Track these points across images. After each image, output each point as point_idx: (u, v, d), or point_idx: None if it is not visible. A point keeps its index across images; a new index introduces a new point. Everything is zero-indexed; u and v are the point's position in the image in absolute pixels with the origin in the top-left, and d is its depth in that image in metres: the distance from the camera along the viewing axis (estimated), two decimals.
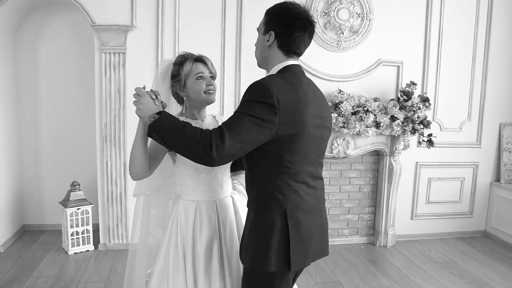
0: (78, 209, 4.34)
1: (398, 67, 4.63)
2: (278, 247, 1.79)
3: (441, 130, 4.79)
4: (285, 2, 1.94)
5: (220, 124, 1.83)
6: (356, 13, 4.47)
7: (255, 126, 1.71)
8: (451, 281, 3.97)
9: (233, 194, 2.32)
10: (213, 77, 2.24)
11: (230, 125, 1.71)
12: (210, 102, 2.20)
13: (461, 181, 4.98)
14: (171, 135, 1.76)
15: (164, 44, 4.26)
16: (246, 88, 1.79)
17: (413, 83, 4.43)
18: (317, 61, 4.48)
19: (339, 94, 4.39)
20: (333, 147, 4.45)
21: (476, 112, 4.89)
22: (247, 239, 1.88)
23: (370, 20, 4.51)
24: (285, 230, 1.80)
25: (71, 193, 4.37)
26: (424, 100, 4.39)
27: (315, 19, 1.94)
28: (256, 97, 1.74)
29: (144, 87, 1.91)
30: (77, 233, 4.37)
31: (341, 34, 4.48)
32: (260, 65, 2.01)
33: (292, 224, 1.80)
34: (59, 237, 4.71)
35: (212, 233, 2.14)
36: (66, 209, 4.27)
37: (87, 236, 4.42)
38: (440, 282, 3.93)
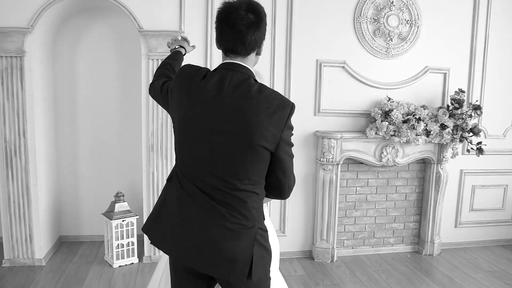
0: (123, 221, 4.19)
1: (445, 74, 4.59)
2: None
3: (485, 137, 4.75)
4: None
5: None
6: (405, 19, 4.42)
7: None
8: None
9: None
10: None
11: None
12: None
13: (504, 188, 4.96)
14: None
15: (212, 49, 4.16)
16: None
17: (462, 91, 4.39)
18: (367, 68, 4.41)
19: (389, 102, 4.32)
20: (382, 155, 4.38)
21: None
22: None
23: (418, 27, 4.45)
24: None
25: (116, 204, 4.22)
26: (476, 108, 4.35)
27: (252, 18, 1.75)
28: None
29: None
30: (122, 245, 4.23)
31: (390, 41, 4.41)
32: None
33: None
34: (98, 249, 4.57)
35: None
36: (111, 221, 4.13)
37: (131, 248, 4.28)
38: None
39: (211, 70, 1.81)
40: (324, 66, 4.35)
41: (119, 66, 4.64)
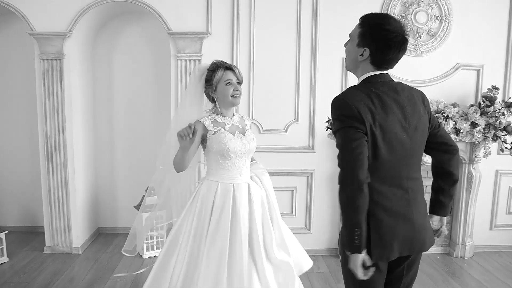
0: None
1: (478, 71, 4.44)
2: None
3: None
4: (382, 18, 1.96)
5: (246, 123, 2.83)
6: (434, 15, 4.33)
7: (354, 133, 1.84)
8: None
9: (250, 182, 2.76)
10: (239, 83, 2.74)
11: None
12: (235, 104, 2.74)
13: None
14: None
15: (239, 50, 4.27)
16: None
17: (495, 88, 4.23)
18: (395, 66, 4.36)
19: None
20: None
21: None
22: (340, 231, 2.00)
23: (449, 22, 4.35)
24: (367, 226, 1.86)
25: (147, 198, 4.43)
26: (509, 105, 4.18)
27: (408, 34, 1.95)
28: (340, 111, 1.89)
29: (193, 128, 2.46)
30: (151, 237, 4.44)
31: (419, 38, 4.34)
32: (349, 70, 2.11)
33: (373, 221, 1.88)
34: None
35: (227, 205, 2.64)
36: (142, 213, 4.34)
37: (161, 240, 4.48)
38: None
39: (361, 82, 2.00)
40: None
41: (152, 67, 4.87)
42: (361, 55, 1.96)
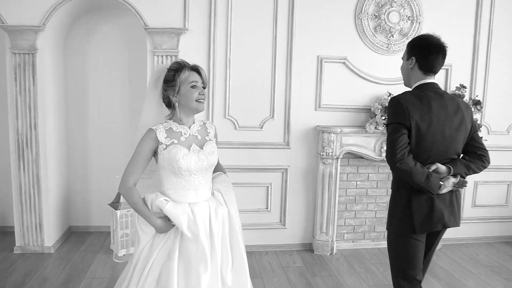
0: (128, 211, 4.35)
1: (447, 70, 4.62)
2: (403, 215, 2.50)
3: (488, 133, 4.76)
4: (422, 34, 2.59)
5: (209, 132, 2.46)
6: (406, 16, 4.47)
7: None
8: (506, 286, 3.95)
9: (210, 200, 2.41)
10: (204, 87, 2.40)
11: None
12: (199, 110, 2.38)
13: (508, 184, 4.96)
14: None
15: (216, 47, 4.29)
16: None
17: (463, 86, 4.42)
18: (367, 64, 4.48)
19: (389, 97, 4.38)
20: (382, 150, 4.43)
21: None
22: (389, 210, 2.64)
23: (420, 23, 4.50)
24: (409, 204, 2.47)
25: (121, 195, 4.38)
26: (476, 103, 4.37)
27: (446, 45, 2.58)
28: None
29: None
30: (127, 235, 4.39)
31: (391, 37, 4.47)
32: (406, 84, 2.64)
33: (415, 199, 2.45)
34: (105, 239, 4.75)
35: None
36: (116, 211, 4.29)
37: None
38: (493, 287, 3.91)
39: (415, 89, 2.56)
40: (325, 62, 4.43)
41: (127, 63, 4.82)
42: (410, 64, 2.52)
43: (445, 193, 2.44)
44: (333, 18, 4.41)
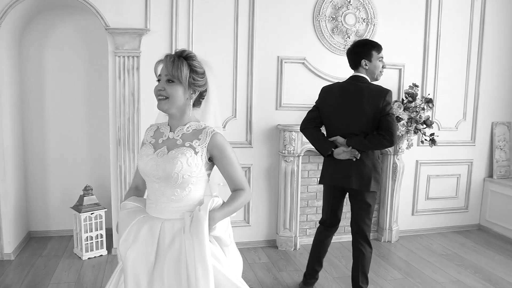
0: (92, 213, 4.30)
1: (400, 70, 4.85)
2: (322, 170, 3.53)
3: (439, 129, 5.04)
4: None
5: (199, 140, 1.96)
6: (362, 18, 4.66)
7: None
8: (458, 271, 4.20)
9: (168, 221, 1.98)
10: (173, 80, 1.96)
11: None
12: (161, 110, 2.01)
13: (457, 177, 5.26)
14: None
15: (178, 47, 4.29)
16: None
17: (416, 85, 4.65)
18: (325, 64, 4.63)
19: None
20: None
21: (471, 112, 5.18)
22: None
23: (374, 25, 4.70)
24: (324, 163, 3.52)
25: (85, 197, 4.33)
26: (428, 101, 4.61)
27: (356, 50, 3.40)
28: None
29: None
30: (91, 238, 4.34)
31: (348, 38, 4.64)
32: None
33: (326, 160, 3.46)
34: (67, 243, 4.66)
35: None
36: (80, 214, 4.23)
37: (100, 241, 4.39)
38: (448, 273, 4.15)
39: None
40: (285, 62, 4.55)
41: (86, 63, 4.74)
42: None
43: (344, 159, 3.24)
44: (292, 19, 4.53)
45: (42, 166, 4.80)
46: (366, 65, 3.30)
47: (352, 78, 3.34)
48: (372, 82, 3.34)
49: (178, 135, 2.02)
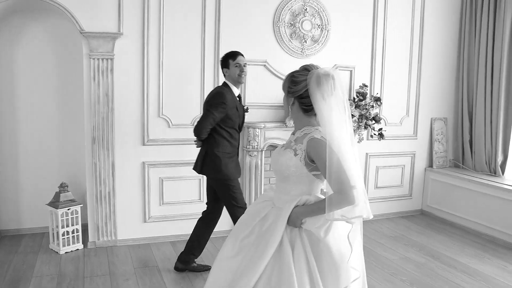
0: (68, 209, 4.48)
1: (351, 71, 5.37)
2: None
3: (386, 125, 5.59)
4: None
5: (296, 141, 2.26)
6: (317, 24, 5.12)
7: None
8: (406, 250, 4.75)
9: (268, 205, 2.38)
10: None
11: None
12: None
13: (402, 168, 5.85)
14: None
15: (149, 50, 4.57)
16: None
17: (365, 85, 5.17)
18: (285, 66, 5.04)
19: None
20: None
21: (413, 109, 5.79)
22: None
23: (328, 30, 5.18)
24: None
25: (61, 194, 4.50)
26: (376, 99, 5.14)
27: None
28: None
29: None
30: (67, 233, 4.52)
31: (305, 43, 5.09)
32: None
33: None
34: (41, 239, 4.79)
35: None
36: (57, 210, 4.40)
37: (76, 235, 4.58)
38: (397, 251, 4.69)
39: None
40: (248, 64, 4.89)
41: (59, 65, 4.88)
42: None
43: (200, 147, 3.90)
44: (255, 25, 4.92)
45: (14, 166, 4.89)
46: (226, 72, 3.92)
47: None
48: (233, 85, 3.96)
49: (293, 138, 2.39)
